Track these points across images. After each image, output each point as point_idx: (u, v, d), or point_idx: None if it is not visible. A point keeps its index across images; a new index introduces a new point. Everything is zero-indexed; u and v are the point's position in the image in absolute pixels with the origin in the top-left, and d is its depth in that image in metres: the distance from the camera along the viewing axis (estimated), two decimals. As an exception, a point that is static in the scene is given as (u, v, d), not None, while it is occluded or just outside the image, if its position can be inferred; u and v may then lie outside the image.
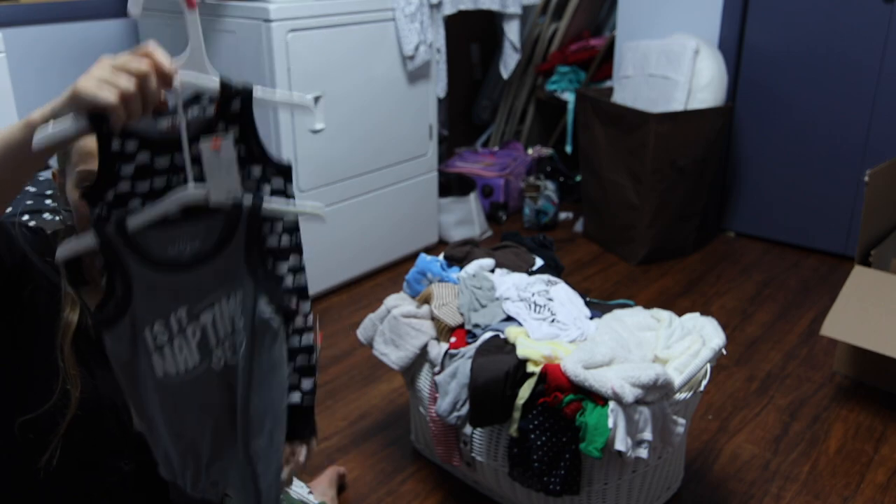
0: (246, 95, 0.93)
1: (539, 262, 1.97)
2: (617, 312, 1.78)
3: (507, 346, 1.57)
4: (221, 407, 1.01)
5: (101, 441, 1.10)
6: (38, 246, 1.09)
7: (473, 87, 4.20)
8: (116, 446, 1.12)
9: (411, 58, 2.83)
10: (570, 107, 3.66)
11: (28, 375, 1.06)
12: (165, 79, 0.83)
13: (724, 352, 1.64)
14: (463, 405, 1.58)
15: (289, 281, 1.02)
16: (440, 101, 3.14)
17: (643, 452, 1.43)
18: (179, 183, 0.94)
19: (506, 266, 1.91)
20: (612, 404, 1.40)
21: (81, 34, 2.77)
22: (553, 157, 3.82)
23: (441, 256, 1.97)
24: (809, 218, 3.16)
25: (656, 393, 1.45)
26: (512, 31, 3.43)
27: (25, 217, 1.76)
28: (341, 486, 1.83)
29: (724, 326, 1.88)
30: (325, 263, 2.75)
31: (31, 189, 1.92)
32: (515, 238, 2.10)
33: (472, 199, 3.31)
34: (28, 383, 1.05)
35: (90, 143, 1.02)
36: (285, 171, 1.00)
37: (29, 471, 1.05)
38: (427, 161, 3.09)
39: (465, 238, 2.08)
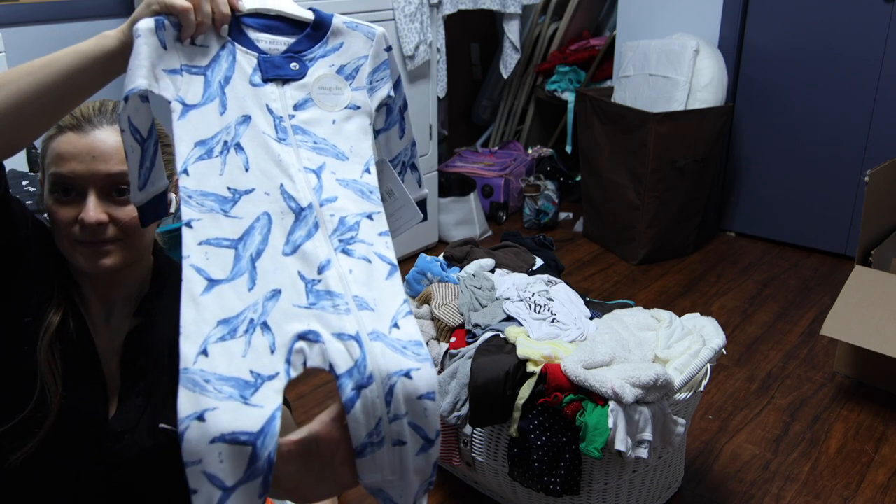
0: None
1: (539, 262, 1.97)
2: (617, 312, 1.78)
3: (507, 346, 1.57)
4: None
5: (75, 453, 1.04)
6: (41, 238, 1.04)
7: (473, 87, 4.20)
8: (89, 458, 1.05)
9: (411, 58, 2.83)
10: (570, 107, 3.66)
11: (5, 380, 1.00)
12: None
13: (724, 352, 1.64)
14: (463, 405, 1.57)
15: None
16: (440, 101, 3.14)
17: (643, 452, 1.43)
18: None
19: (506, 266, 1.91)
20: (612, 404, 1.40)
21: (81, 34, 2.75)
22: (553, 157, 3.82)
23: (441, 256, 1.97)
24: (809, 218, 3.16)
25: (656, 393, 1.45)
26: (512, 30, 3.43)
27: None
28: (341, 486, 1.82)
29: (725, 326, 1.88)
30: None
31: (32, 189, 1.91)
32: (515, 238, 2.10)
33: (472, 199, 3.31)
34: (4, 389, 1.00)
35: (63, 144, 0.98)
36: None
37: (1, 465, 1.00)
38: (427, 161, 3.09)
39: (465, 238, 2.08)
